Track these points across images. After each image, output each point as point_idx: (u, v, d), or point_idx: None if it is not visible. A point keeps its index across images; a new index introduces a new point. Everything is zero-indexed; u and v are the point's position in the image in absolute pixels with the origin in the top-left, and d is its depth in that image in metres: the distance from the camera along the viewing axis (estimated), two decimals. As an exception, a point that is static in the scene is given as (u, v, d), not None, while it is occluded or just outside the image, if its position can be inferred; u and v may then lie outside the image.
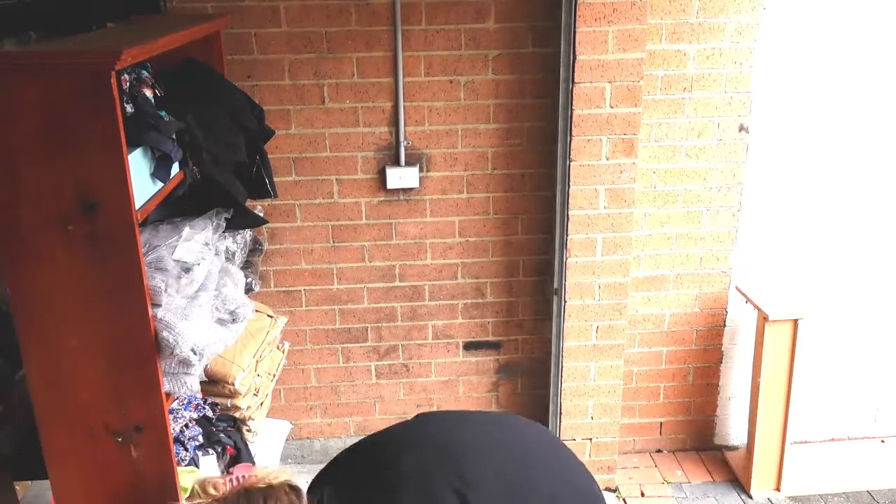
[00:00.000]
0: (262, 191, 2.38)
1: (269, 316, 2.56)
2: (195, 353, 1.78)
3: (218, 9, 2.66)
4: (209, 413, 2.29)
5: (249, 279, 2.37)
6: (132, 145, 1.63)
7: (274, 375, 2.58)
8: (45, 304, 1.74)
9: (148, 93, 1.79)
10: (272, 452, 2.72)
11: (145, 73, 1.83)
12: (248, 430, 2.42)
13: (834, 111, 2.97)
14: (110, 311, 1.70)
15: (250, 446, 2.44)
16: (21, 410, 2.57)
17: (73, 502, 1.93)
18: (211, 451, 2.21)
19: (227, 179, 2.14)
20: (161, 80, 1.97)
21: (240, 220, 2.25)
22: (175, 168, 1.84)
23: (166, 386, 1.78)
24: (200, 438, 2.19)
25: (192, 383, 1.83)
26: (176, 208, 2.06)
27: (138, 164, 1.66)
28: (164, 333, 1.70)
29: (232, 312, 2.01)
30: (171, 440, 1.83)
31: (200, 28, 2.17)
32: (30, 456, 2.49)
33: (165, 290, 1.73)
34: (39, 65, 1.53)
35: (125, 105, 1.68)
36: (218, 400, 2.30)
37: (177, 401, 2.17)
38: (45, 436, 1.89)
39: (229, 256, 2.24)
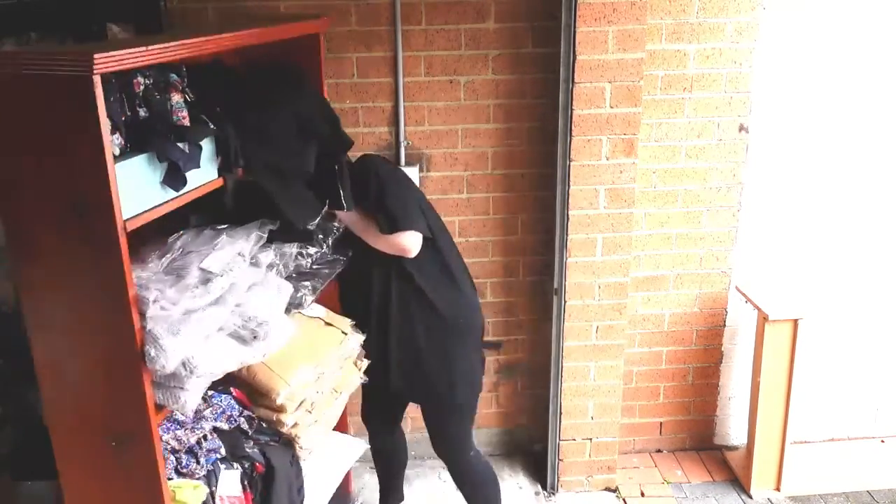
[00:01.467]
0: (334, 202, 2.21)
1: (342, 332, 2.37)
2: (186, 369, 1.69)
3: (220, 9, 2.66)
4: (244, 425, 2.12)
5: (301, 293, 2.17)
6: (137, 151, 1.61)
7: (340, 392, 2.38)
8: (47, 305, 1.76)
9: (177, 97, 1.75)
10: (334, 471, 2.53)
11: (175, 76, 1.77)
12: (301, 448, 2.25)
13: (834, 111, 2.98)
14: (100, 318, 1.68)
15: (303, 464, 2.29)
16: (21, 411, 2.57)
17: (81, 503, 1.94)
18: (236, 465, 2.06)
19: (278, 188, 2.01)
20: (230, 83, 1.99)
21: (285, 232, 2.11)
22: (207, 174, 1.81)
23: (159, 398, 1.72)
24: (222, 451, 2.03)
25: (186, 398, 1.73)
26: (238, 214, 2.03)
27: (141, 170, 1.62)
28: (148, 346, 1.63)
29: (254, 330, 1.87)
30: (159, 451, 1.76)
31: (234, 36, 1.94)
32: (30, 456, 2.50)
33: (155, 301, 1.66)
34: (26, 69, 1.51)
35: (138, 109, 1.66)
36: (264, 413, 2.16)
37: (210, 409, 2.04)
38: (53, 435, 1.89)
39: (279, 269, 2.11)
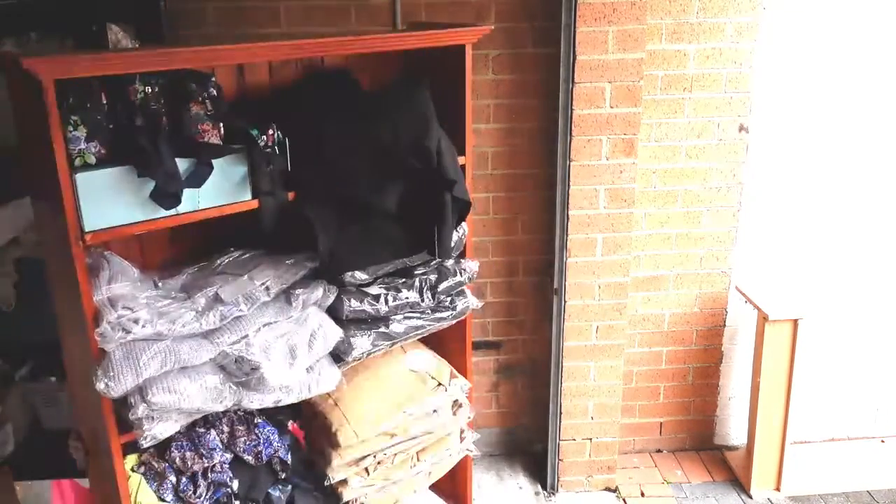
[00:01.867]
0: (427, 246, 1.94)
1: (438, 383, 2.10)
2: (139, 397, 1.59)
3: (219, 10, 2.65)
4: (276, 465, 1.95)
5: (354, 337, 1.94)
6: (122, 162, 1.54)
7: (422, 461, 2.13)
8: (59, 308, 1.79)
9: (196, 108, 1.65)
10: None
11: (193, 85, 1.66)
12: None
13: (833, 111, 2.98)
14: (74, 327, 1.66)
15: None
16: (21, 410, 2.57)
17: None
18: None
19: (321, 218, 1.79)
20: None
21: (321, 269, 1.87)
22: (227, 195, 1.68)
23: (133, 418, 1.62)
24: (234, 487, 1.86)
25: (151, 428, 1.63)
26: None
27: (117, 182, 1.52)
28: (99, 366, 1.55)
29: (248, 373, 1.73)
30: (120, 472, 1.70)
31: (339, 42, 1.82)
32: (30, 456, 2.50)
33: (117, 321, 1.57)
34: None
35: (135, 118, 1.59)
36: (319, 456, 2.00)
37: (244, 438, 1.90)
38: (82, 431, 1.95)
39: (321, 306, 1.91)
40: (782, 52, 2.88)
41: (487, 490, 3.11)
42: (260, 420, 1.95)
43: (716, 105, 2.90)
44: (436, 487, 2.49)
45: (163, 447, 1.82)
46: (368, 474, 2.03)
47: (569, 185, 2.74)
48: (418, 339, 2.25)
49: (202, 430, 1.86)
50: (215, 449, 1.85)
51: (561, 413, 3.03)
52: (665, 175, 2.98)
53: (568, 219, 2.78)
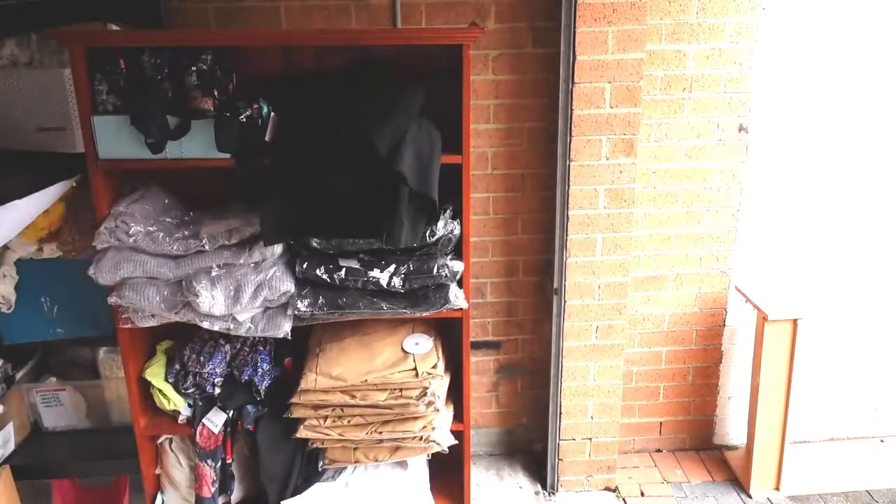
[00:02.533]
0: (377, 233, 2.06)
1: (414, 368, 2.27)
2: (118, 293, 2.16)
3: (219, 10, 2.66)
4: (254, 389, 2.35)
5: (302, 297, 2.19)
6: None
7: (379, 432, 2.31)
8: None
9: (190, 79, 2.03)
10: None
11: (185, 60, 2.04)
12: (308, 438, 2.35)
13: (833, 111, 2.98)
14: None
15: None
16: (21, 410, 2.57)
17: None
18: (230, 412, 2.34)
19: (280, 186, 2.04)
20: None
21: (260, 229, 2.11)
22: (204, 150, 2.06)
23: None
24: (215, 391, 2.33)
25: (137, 320, 2.20)
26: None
27: (121, 127, 2.03)
28: (94, 260, 2.13)
29: (190, 297, 2.15)
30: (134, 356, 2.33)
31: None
32: (30, 456, 2.50)
33: (116, 227, 2.10)
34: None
35: (141, 82, 2.02)
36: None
37: (241, 358, 2.39)
38: None
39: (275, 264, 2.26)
40: (782, 52, 2.88)
41: (487, 490, 3.11)
42: (262, 349, 2.41)
43: (716, 105, 2.90)
44: (434, 489, 2.54)
45: (183, 343, 2.40)
46: (324, 423, 2.30)
47: (569, 185, 2.74)
48: (429, 328, 2.45)
49: (221, 342, 2.40)
50: (215, 359, 2.34)
51: (561, 413, 3.03)
52: (665, 175, 2.99)
53: (568, 219, 2.78)
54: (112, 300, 2.14)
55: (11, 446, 2.48)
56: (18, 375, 2.54)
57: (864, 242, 3.16)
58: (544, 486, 3.16)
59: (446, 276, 2.21)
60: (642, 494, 3.13)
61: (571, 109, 2.66)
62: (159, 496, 2.48)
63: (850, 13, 2.85)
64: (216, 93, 2.04)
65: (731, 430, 3.38)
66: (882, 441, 3.41)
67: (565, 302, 2.88)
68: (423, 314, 2.27)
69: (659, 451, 3.40)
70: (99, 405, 2.57)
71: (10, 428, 2.47)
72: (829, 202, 3.10)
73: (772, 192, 3.06)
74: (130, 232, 2.09)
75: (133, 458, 2.44)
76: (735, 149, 2.97)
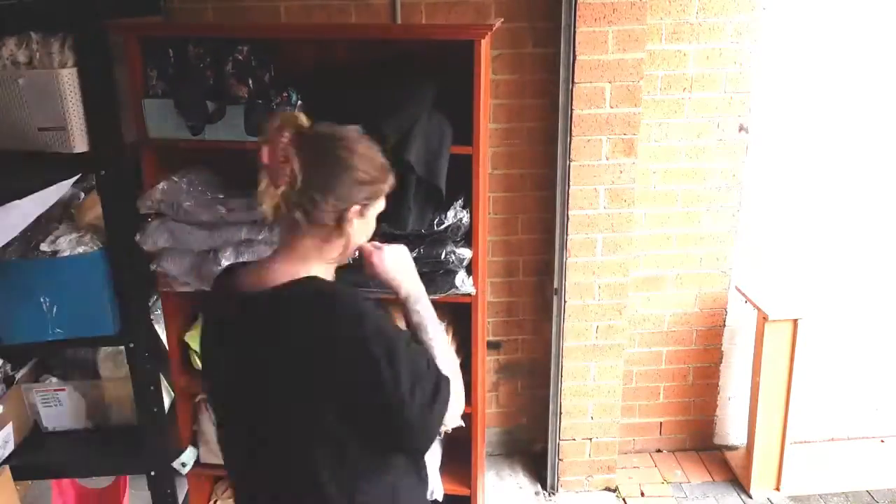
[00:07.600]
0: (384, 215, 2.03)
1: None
2: (158, 261, 2.35)
3: (218, 9, 2.66)
4: None
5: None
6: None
7: None
8: None
9: (228, 68, 2.17)
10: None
11: (222, 50, 2.18)
12: None
13: (833, 111, 2.98)
14: None
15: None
16: (21, 410, 2.57)
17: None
18: None
19: None
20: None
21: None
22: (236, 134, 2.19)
23: None
24: None
25: (175, 289, 2.39)
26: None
27: (167, 110, 2.19)
28: (139, 228, 2.32)
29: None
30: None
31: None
32: (30, 456, 2.49)
33: (161, 198, 2.25)
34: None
35: (186, 70, 2.19)
36: None
37: None
38: None
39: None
40: (782, 52, 2.88)
41: (487, 490, 3.11)
42: None
43: (716, 105, 2.90)
44: (444, 473, 2.60)
45: None
46: None
47: (569, 185, 2.74)
48: (441, 317, 2.45)
49: None
50: None
51: (561, 413, 3.03)
52: (665, 175, 2.98)
53: (568, 219, 2.78)
54: (153, 267, 2.33)
55: (11, 446, 2.48)
56: (18, 375, 2.54)
57: (865, 242, 3.16)
58: (544, 487, 3.16)
59: (454, 261, 2.26)
60: (642, 495, 3.13)
61: (571, 109, 2.66)
62: (189, 449, 2.59)
63: (850, 13, 2.85)
64: (251, 82, 2.17)
65: (732, 430, 3.38)
66: (882, 441, 3.41)
67: (565, 302, 2.88)
68: (430, 297, 2.30)
69: (659, 451, 3.40)
70: (99, 405, 2.57)
71: (9, 428, 2.47)
72: (830, 202, 3.10)
73: (772, 192, 3.06)
74: (173, 203, 2.24)
75: (133, 458, 2.45)
76: (735, 149, 2.97)
